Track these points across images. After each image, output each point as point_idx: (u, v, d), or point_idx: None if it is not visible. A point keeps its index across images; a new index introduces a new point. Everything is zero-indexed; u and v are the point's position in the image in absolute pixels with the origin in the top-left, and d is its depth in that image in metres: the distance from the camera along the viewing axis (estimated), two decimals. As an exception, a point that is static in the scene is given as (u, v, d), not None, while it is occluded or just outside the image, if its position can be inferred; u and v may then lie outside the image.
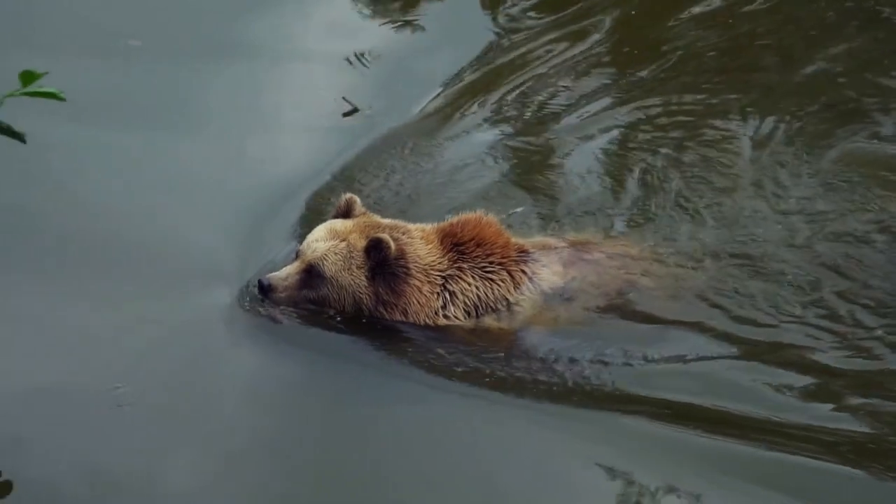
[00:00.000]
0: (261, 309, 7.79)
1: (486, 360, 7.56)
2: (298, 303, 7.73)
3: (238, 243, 8.32)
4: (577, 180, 9.18)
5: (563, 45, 10.97)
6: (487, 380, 7.41)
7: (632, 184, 9.10)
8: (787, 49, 10.79)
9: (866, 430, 7.05)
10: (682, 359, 7.58)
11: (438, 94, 10.29)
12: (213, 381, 7.40)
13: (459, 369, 7.49)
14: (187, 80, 9.92)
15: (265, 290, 7.67)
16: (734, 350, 7.63)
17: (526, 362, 7.56)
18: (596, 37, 11.04)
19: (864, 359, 7.56)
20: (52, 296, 7.88)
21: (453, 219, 7.97)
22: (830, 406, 7.23)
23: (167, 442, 6.94)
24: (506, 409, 7.22)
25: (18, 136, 5.67)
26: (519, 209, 8.82)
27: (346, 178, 9.02)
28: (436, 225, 7.98)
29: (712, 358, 7.59)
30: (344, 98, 10.04)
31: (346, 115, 9.97)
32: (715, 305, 7.95)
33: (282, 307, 7.76)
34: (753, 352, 7.61)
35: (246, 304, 7.88)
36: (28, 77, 5.54)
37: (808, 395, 7.32)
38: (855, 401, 7.27)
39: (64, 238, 8.27)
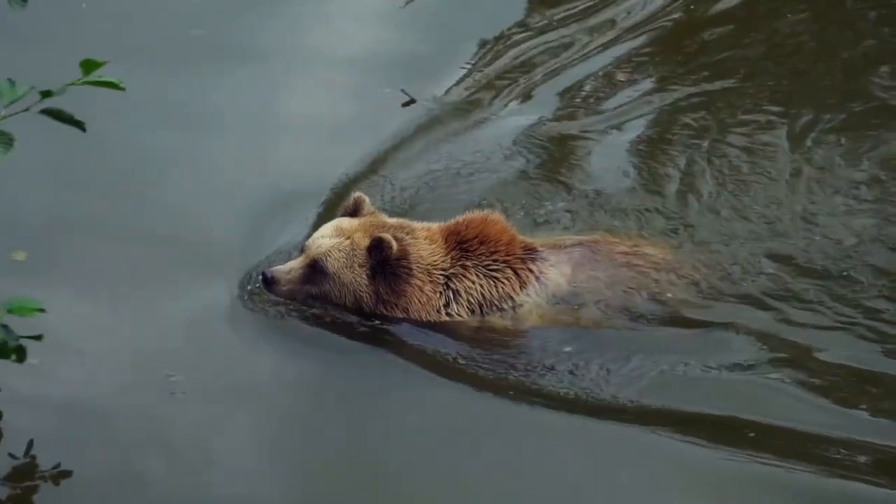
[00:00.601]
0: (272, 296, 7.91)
1: (495, 360, 7.57)
2: (300, 297, 7.84)
3: (258, 239, 8.45)
4: (606, 175, 9.07)
5: (600, 33, 10.85)
6: (493, 379, 7.44)
7: (664, 181, 8.96)
8: (832, 45, 10.49)
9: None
10: (706, 367, 7.44)
11: (463, 84, 10.24)
12: (249, 370, 7.59)
13: (468, 368, 7.54)
14: (189, 80, 9.99)
15: (268, 282, 7.78)
16: (763, 358, 7.47)
17: (536, 364, 7.54)
18: (632, 21, 10.90)
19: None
20: (89, 290, 8.10)
21: (459, 217, 7.97)
22: (867, 414, 7.10)
23: (217, 427, 7.17)
24: (514, 409, 7.24)
25: (79, 125, 5.76)
26: (561, 204, 8.78)
27: (368, 172, 9.09)
28: (441, 224, 7.98)
29: (736, 366, 7.43)
30: (402, 90, 10.09)
31: (405, 105, 10.04)
32: (755, 309, 7.79)
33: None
34: (783, 359, 7.44)
35: (248, 302, 8.03)
36: (89, 65, 5.61)
37: (846, 403, 7.18)
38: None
39: (89, 234, 8.49)
